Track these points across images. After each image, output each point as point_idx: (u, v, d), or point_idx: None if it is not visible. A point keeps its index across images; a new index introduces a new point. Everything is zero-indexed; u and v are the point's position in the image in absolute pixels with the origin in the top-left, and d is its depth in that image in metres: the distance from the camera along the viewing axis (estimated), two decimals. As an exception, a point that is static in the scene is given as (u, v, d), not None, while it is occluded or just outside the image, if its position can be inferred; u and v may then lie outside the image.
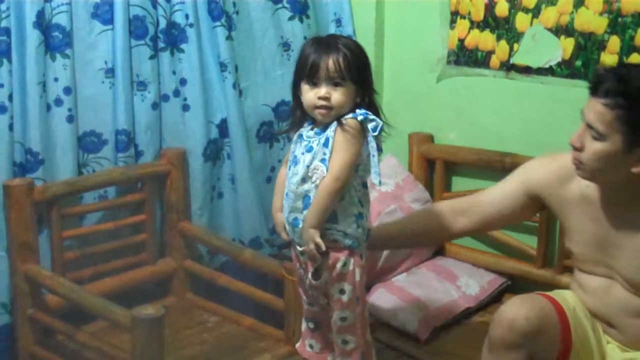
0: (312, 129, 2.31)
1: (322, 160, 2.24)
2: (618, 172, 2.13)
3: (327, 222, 2.27)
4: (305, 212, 2.27)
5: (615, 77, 2.07)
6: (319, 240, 2.25)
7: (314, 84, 2.23)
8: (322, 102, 2.22)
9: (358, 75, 2.24)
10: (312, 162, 2.26)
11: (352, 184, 2.28)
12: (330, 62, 2.21)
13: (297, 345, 2.56)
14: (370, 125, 2.24)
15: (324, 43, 2.26)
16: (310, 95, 2.24)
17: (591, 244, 2.28)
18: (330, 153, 2.23)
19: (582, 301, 2.33)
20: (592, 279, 2.31)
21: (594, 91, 2.09)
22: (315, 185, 2.25)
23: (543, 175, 2.39)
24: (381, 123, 2.24)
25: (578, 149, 2.15)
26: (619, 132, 2.06)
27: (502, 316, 2.21)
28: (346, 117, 2.24)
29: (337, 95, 2.22)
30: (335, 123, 2.25)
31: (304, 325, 2.52)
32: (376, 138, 2.25)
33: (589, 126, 2.10)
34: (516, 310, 2.19)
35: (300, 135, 2.33)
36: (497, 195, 2.56)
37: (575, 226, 2.32)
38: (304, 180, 2.27)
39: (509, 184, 2.53)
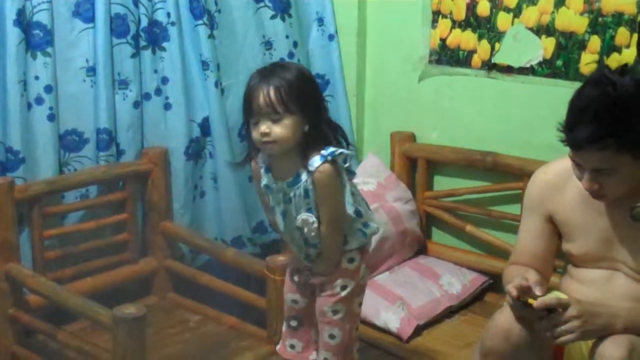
0: (274, 178, 2.26)
1: (309, 210, 2.23)
2: (637, 178, 2.13)
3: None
4: (312, 250, 2.29)
5: (589, 127, 2.03)
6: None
7: (256, 120, 2.16)
8: (265, 139, 2.14)
9: (298, 104, 2.14)
10: (297, 215, 2.24)
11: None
12: (261, 98, 2.12)
13: (278, 347, 2.54)
14: (340, 160, 2.19)
15: (263, 75, 2.17)
16: (254, 133, 2.17)
17: (597, 240, 2.27)
18: (315, 202, 2.21)
19: (577, 293, 2.32)
20: (592, 272, 2.31)
21: (580, 148, 2.07)
22: (311, 236, 2.25)
23: (543, 193, 2.35)
24: (348, 152, 2.20)
25: (597, 189, 2.14)
26: (626, 154, 2.05)
27: (498, 327, 2.19)
28: (314, 164, 2.17)
29: (277, 130, 2.13)
30: (307, 173, 2.19)
31: (284, 326, 2.51)
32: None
33: (596, 170, 2.09)
34: (512, 321, 2.17)
35: (269, 187, 2.28)
36: (530, 245, 2.40)
37: (581, 226, 2.30)
38: (298, 229, 2.27)
39: (529, 225, 2.40)
